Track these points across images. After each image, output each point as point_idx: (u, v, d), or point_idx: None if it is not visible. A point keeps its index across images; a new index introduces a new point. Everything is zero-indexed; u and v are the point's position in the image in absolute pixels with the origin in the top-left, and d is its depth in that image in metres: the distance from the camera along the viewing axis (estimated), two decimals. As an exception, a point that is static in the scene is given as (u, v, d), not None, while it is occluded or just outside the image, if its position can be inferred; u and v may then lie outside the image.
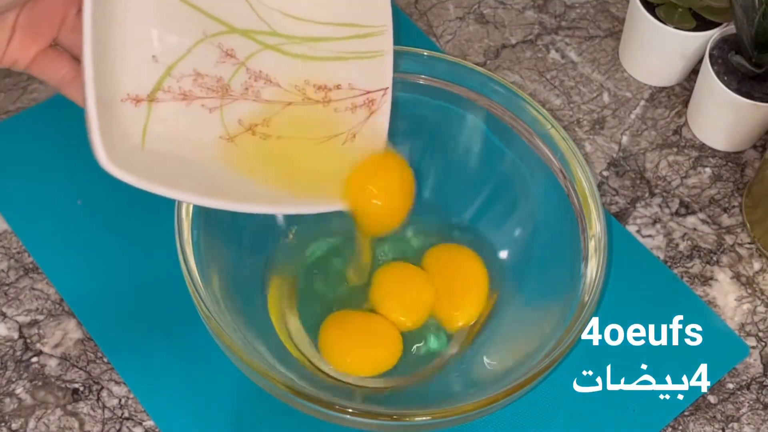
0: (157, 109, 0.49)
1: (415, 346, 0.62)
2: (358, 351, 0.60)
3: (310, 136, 0.55)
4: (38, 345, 0.62)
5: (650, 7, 0.74)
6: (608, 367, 0.64)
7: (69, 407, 0.60)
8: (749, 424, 0.63)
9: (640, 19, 0.75)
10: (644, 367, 0.64)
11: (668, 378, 0.64)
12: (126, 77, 0.47)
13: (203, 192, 0.49)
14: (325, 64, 0.56)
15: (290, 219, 0.65)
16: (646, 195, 0.73)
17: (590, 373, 0.64)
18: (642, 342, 0.65)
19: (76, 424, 0.59)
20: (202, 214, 0.56)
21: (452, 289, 0.62)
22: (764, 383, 0.65)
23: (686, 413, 0.63)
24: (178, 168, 0.49)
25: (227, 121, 0.52)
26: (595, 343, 0.64)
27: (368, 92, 0.56)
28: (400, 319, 0.61)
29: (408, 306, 0.61)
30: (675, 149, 0.76)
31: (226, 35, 0.52)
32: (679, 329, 0.66)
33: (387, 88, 0.56)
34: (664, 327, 0.66)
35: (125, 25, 0.47)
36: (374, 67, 0.56)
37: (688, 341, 0.66)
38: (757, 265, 0.70)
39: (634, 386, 0.63)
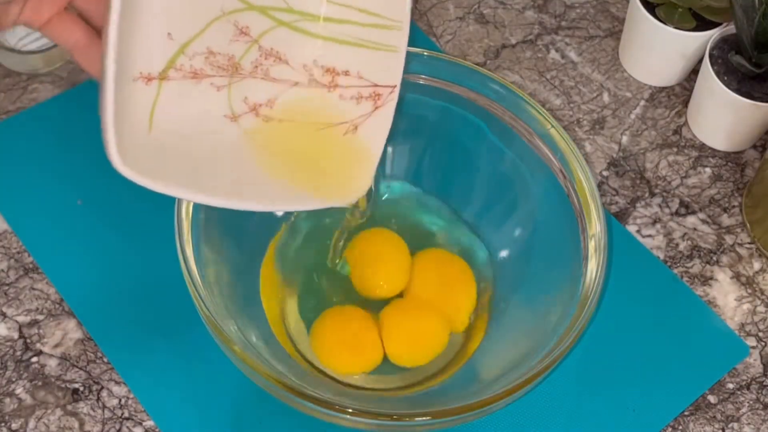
0: (166, 88, 0.48)
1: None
2: (339, 349, 0.60)
3: (312, 121, 0.55)
4: (38, 345, 0.62)
5: (650, 7, 0.74)
6: (608, 367, 0.64)
7: (69, 407, 0.60)
8: (749, 424, 0.63)
9: (640, 19, 0.75)
10: (644, 367, 0.64)
11: (668, 378, 0.64)
12: (141, 55, 0.47)
13: (199, 187, 0.49)
14: (337, 46, 0.55)
15: (289, 213, 0.65)
16: (646, 195, 0.73)
17: (590, 373, 0.64)
18: (642, 342, 0.65)
19: (76, 424, 0.59)
20: (202, 214, 0.56)
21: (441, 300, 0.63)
22: (764, 383, 0.65)
23: (686, 413, 0.63)
24: (181, 157, 0.49)
25: (233, 99, 0.52)
26: (595, 342, 0.64)
27: (376, 85, 0.56)
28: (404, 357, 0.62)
29: (417, 350, 0.62)
30: (675, 149, 0.76)
31: (243, 12, 0.52)
32: (679, 329, 0.66)
33: (395, 86, 0.56)
34: (663, 327, 0.66)
35: (147, 3, 0.46)
36: (386, 61, 0.55)
37: (687, 341, 0.66)
38: (757, 265, 0.70)
39: (634, 386, 0.63)
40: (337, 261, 0.64)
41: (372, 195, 0.57)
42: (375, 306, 0.62)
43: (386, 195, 0.67)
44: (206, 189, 0.49)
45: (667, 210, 0.72)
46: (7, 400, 0.60)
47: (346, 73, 0.56)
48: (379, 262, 0.63)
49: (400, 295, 0.63)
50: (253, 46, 0.52)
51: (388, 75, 0.56)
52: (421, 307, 0.62)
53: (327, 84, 0.56)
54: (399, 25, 0.55)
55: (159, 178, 0.46)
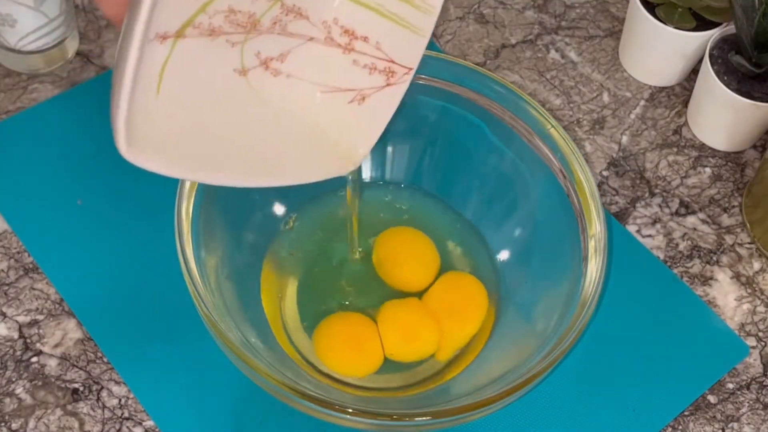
0: (180, 45, 0.46)
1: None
2: (344, 352, 0.61)
3: (320, 81, 0.54)
4: (38, 345, 0.62)
5: (650, 7, 0.74)
6: (608, 367, 0.64)
7: (69, 407, 0.60)
8: (749, 424, 0.63)
9: (640, 19, 0.75)
10: (644, 367, 0.64)
11: (668, 378, 0.64)
12: (163, 15, 0.44)
13: (196, 164, 0.48)
14: (361, 10, 0.53)
15: (290, 210, 0.65)
16: (646, 195, 0.73)
17: (590, 373, 0.64)
18: (642, 342, 0.65)
19: (76, 424, 0.59)
20: (202, 214, 0.56)
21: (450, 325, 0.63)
22: (764, 383, 0.65)
23: (686, 413, 0.63)
24: (183, 124, 0.47)
25: (246, 54, 0.51)
26: (595, 342, 0.64)
27: (392, 61, 0.54)
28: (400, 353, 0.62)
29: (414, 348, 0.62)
30: (675, 149, 0.76)
31: None
32: (679, 329, 0.66)
33: (411, 68, 0.54)
34: (663, 327, 0.66)
35: None
36: (407, 40, 0.54)
37: (687, 341, 0.66)
38: (757, 265, 0.70)
39: (634, 386, 0.63)
40: (359, 250, 0.64)
41: (360, 174, 0.57)
42: (376, 308, 0.63)
43: (389, 197, 0.67)
44: (204, 166, 0.48)
45: (667, 210, 0.72)
46: (7, 400, 0.60)
47: (365, 39, 0.54)
48: (417, 256, 0.64)
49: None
50: (276, 3, 0.51)
51: (406, 55, 0.54)
52: (421, 307, 0.62)
53: (343, 45, 0.54)
54: (431, 9, 0.53)
55: (159, 156, 0.45)
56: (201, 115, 0.49)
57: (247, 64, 0.51)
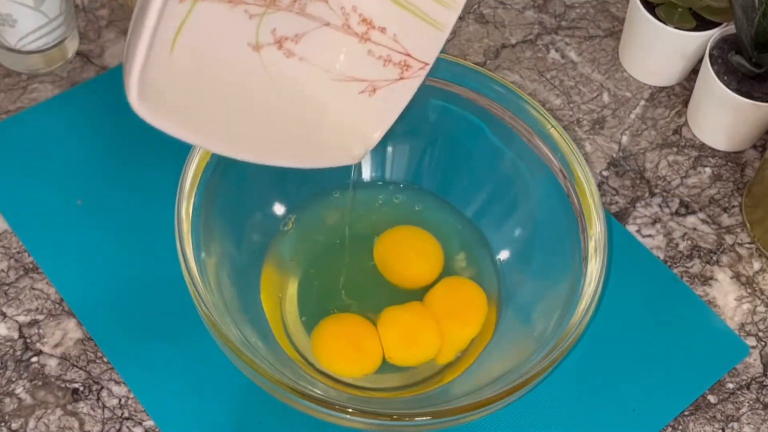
0: (199, 7, 0.46)
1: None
2: (341, 352, 0.61)
3: (332, 68, 0.53)
4: (38, 345, 0.62)
5: (650, 7, 0.74)
6: (608, 367, 0.64)
7: (69, 407, 0.60)
8: (749, 424, 0.63)
9: (640, 19, 0.75)
10: (644, 367, 0.64)
11: (668, 378, 0.64)
12: None
13: (200, 129, 0.47)
14: (382, 0, 0.53)
15: (289, 210, 0.65)
16: (646, 195, 0.73)
17: (590, 373, 0.64)
18: (642, 342, 0.65)
19: (76, 424, 0.59)
20: (202, 214, 0.56)
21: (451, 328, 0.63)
22: (764, 383, 0.65)
23: (686, 413, 0.63)
24: (193, 87, 0.47)
25: (262, 29, 0.50)
26: (595, 342, 0.64)
27: (408, 55, 0.53)
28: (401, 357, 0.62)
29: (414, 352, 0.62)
30: (675, 149, 0.76)
31: None
32: (679, 329, 0.66)
33: (428, 64, 0.54)
34: (663, 327, 0.66)
35: None
36: (426, 35, 0.53)
37: (687, 341, 0.66)
38: (757, 265, 0.70)
39: (634, 386, 0.63)
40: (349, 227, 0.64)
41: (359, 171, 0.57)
42: (376, 309, 0.63)
43: (389, 198, 0.67)
44: (209, 132, 0.48)
45: (667, 210, 0.72)
46: (7, 400, 0.60)
47: (383, 30, 0.53)
48: (420, 251, 0.64)
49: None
50: None
51: (424, 50, 0.54)
52: (422, 311, 0.62)
53: (360, 34, 0.53)
54: (454, 3, 0.53)
55: (167, 115, 0.45)
56: (212, 83, 0.49)
57: (261, 40, 0.50)
